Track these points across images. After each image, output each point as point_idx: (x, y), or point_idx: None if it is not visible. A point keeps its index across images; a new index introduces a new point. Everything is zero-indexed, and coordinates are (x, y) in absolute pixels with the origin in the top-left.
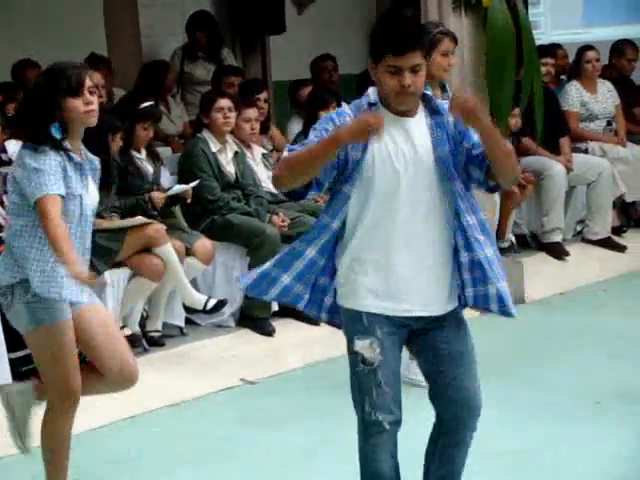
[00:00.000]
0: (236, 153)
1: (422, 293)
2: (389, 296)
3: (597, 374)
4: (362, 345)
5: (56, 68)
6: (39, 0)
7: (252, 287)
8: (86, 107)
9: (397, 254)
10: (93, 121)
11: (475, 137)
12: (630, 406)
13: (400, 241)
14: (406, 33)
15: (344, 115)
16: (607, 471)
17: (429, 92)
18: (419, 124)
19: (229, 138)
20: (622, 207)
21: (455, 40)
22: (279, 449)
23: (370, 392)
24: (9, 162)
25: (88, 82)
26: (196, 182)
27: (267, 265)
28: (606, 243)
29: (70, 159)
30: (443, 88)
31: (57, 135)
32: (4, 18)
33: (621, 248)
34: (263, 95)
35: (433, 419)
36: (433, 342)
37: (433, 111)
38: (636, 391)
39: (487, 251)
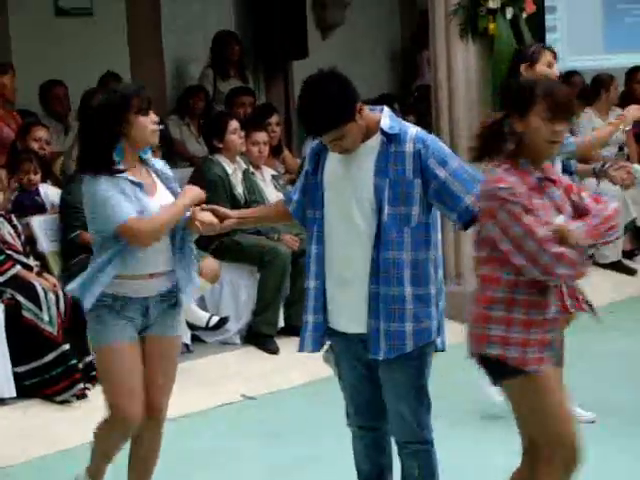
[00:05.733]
0: (245, 172)
1: None
2: None
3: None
4: None
5: (122, 88)
6: (70, 23)
7: None
8: (152, 126)
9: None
10: (156, 141)
11: (441, 174)
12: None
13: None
14: (314, 119)
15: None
16: None
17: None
18: (366, 153)
19: (238, 157)
20: (634, 231)
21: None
22: (270, 461)
23: None
24: (43, 205)
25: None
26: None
27: None
28: (617, 266)
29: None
30: None
31: (117, 158)
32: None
33: (632, 272)
34: (274, 119)
35: None
36: None
37: (389, 140)
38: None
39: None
